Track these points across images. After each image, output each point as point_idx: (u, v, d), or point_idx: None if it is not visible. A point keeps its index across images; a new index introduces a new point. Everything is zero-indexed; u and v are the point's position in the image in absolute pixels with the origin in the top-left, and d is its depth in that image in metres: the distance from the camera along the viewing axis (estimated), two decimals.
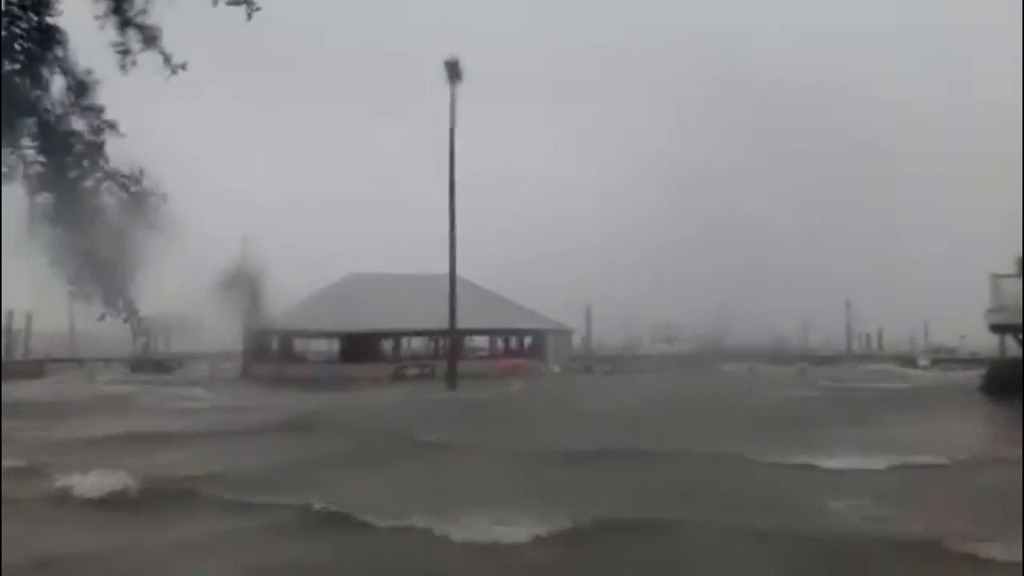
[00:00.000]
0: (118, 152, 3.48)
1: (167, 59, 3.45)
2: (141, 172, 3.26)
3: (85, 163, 3.26)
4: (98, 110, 3.36)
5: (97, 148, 3.27)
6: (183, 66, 3.44)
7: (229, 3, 3.30)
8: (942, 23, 71.28)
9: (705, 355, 46.99)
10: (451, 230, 29.97)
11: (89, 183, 3.25)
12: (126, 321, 3.34)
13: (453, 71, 28.58)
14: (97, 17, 3.37)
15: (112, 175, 3.26)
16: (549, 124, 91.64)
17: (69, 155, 3.21)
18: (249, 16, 3.32)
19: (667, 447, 13.23)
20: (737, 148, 73.41)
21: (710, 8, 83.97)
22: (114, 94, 3.54)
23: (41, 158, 3.19)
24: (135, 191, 3.24)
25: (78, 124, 3.33)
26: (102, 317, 3.31)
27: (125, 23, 3.36)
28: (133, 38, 3.35)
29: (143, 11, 3.36)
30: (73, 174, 3.22)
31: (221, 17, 3.57)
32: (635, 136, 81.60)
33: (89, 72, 3.38)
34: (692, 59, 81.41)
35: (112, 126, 3.36)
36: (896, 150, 61.82)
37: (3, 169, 3.23)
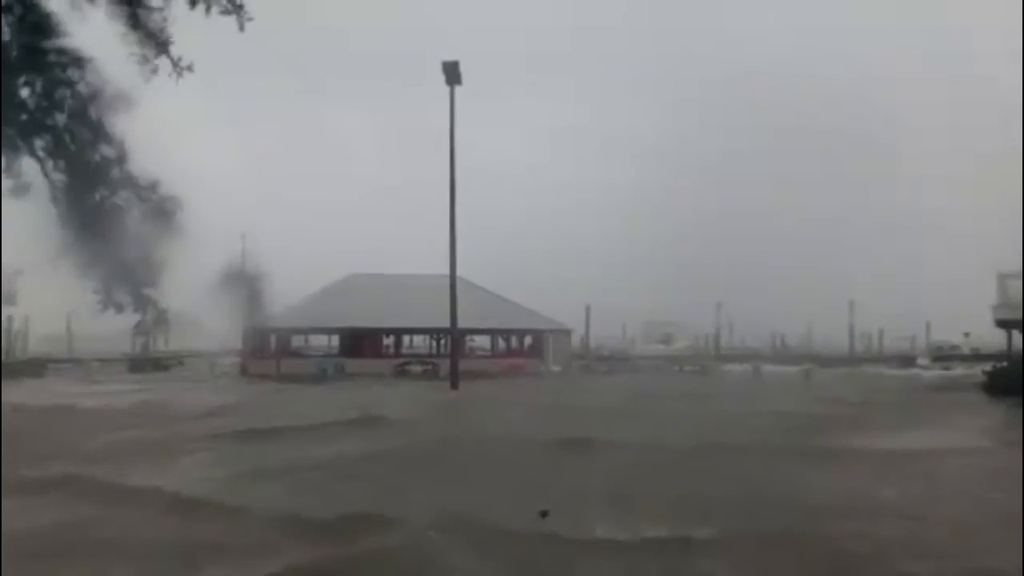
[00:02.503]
0: (135, 159, 3.53)
1: (175, 63, 3.61)
2: (157, 182, 3.32)
3: (105, 174, 3.26)
4: (110, 122, 3.39)
5: (115, 159, 3.29)
6: (190, 67, 3.56)
7: (222, 13, 3.39)
8: (942, 23, 71.34)
9: (703, 355, 47.07)
10: (451, 230, 29.88)
11: (108, 194, 3.26)
12: (156, 323, 3.41)
13: (452, 72, 28.50)
14: (122, 33, 3.49)
15: (129, 184, 3.29)
16: (548, 122, 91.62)
17: (88, 168, 3.21)
18: (241, 27, 3.42)
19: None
20: (738, 148, 73.35)
21: (712, 8, 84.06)
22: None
23: (61, 172, 3.22)
24: (153, 200, 3.28)
25: (95, 137, 3.36)
26: (137, 326, 3.35)
27: (147, 36, 3.45)
28: (150, 48, 3.44)
29: (162, 27, 3.47)
30: (94, 187, 3.22)
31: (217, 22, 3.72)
32: (635, 134, 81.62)
33: (100, 86, 3.43)
34: (693, 59, 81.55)
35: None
36: (896, 149, 61.94)
37: (21, 179, 3.29)
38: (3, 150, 3.27)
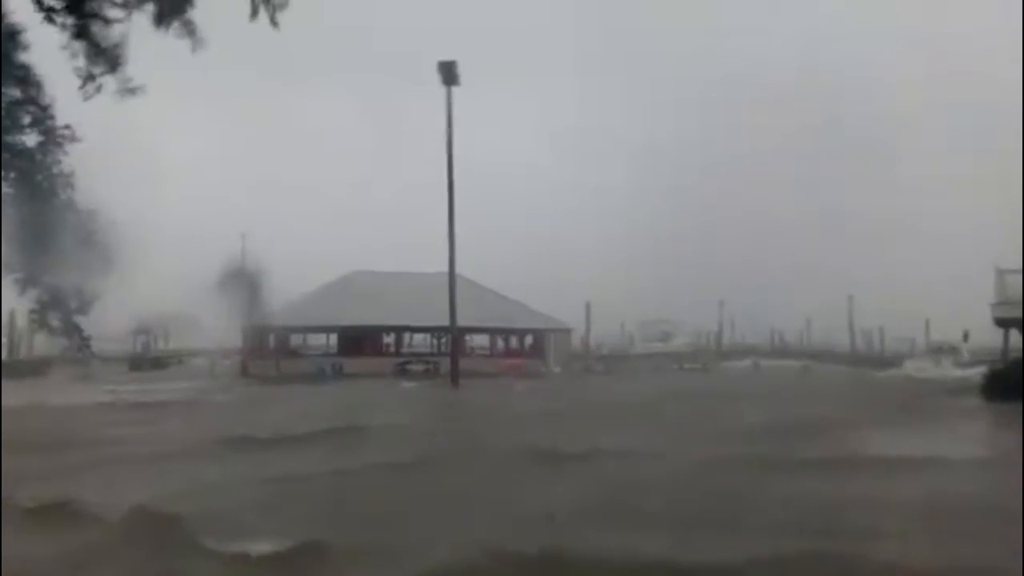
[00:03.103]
0: (94, 170, 3.53)
1: (126, 83, 3.54)
2: (94, 210, 3.33)
3: (50, 195, 3.28)
4: (61, 140, 3.39)
5: (63, 182, 3.31)
6: (134, 90, 3.50)
7: (177, 36, 3.36)
8: (943, 23, 71.00)
9: (704, 353, 47.02)
10: (450, 229, 30.01)
11: (52, 217, 3.28)
12: (79, 351, 3.46)
13: (448, 73, 28.58)
14: (63, 48, 3.44)
15: (70, 210, 3.31)
16: (548, 122, 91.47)
17: (36, 187, 3.23)
18: (193, 50, 3.40)
19: None
20: (738, 147, 73.08)
21: (712, 8, 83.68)
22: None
23: (10, 187, 3.23)
24: (90, 229, 3.30)
25: (41, 153, 3.36)
26: (65, 350, 3.38)
27: (95, 52, 3.40)
28: (99, 64, 3.39)
29: (117, 44, 3.42)
30: (40, 208, 3.24)
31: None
32: (634, 133, 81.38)
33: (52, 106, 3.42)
34: (692, 59, 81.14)
35: (72, 136, 3.44)
36: (896, 149, 61.64)
37: None
38: None
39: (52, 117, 3.44)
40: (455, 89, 29.02)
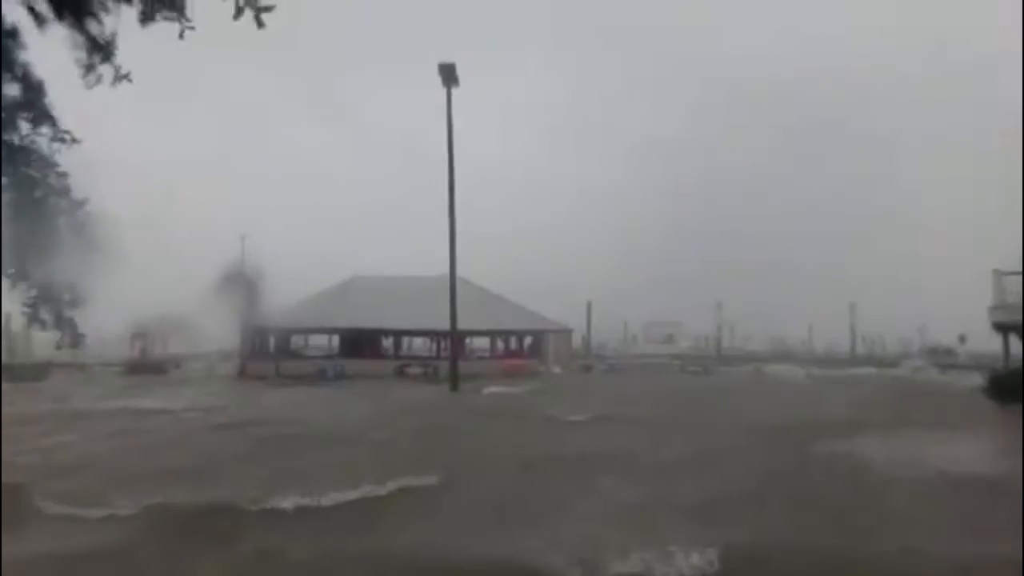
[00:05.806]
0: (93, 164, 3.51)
1: (117, 71, 3.54)
2: (86, 200, 3.32)
3: (42, 182, 3.27)
4: (57, 128, 3.40)
5: (55, 170, 3.31)
6: (127, 76, 3.51)
7: (164, 19, 3.36)
8: (943, 22, 71.19)
9: (705, 355, 47.00)
10: (451, 230, 29.97)
11: (44, 205, 3.27)
12: (73, 346, 3.47)
13: (448, 74, 28.60)
14: (64, 39, 3.45)
15: (62, 195, 3.31)
16: (548, 122, 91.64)
17: (31, 186, 3.23)
18: (181, 35, 3.40)
19: None
20: (738, 149, 73.24)
21: (712, 8, 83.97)
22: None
23: (6, 189, 3.24)
24: (80, 217, 3.30)
25: (36, 142, 3.37)
26: (58, 345, 3.40)
27: (93, 45, 3.42)
28: (95, 56, 3.42)
29: (112, 36, 3.44)
30: (34, 204, 3.24)
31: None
32: (635, 135, 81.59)
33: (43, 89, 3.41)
34: (694, 60, 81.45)
35: (72, 139, 3.45)
36: (897, 150, 61.80)
37: None
38: None
39: (48, 109, 3.45)
40: (455, 87, 29.03)
